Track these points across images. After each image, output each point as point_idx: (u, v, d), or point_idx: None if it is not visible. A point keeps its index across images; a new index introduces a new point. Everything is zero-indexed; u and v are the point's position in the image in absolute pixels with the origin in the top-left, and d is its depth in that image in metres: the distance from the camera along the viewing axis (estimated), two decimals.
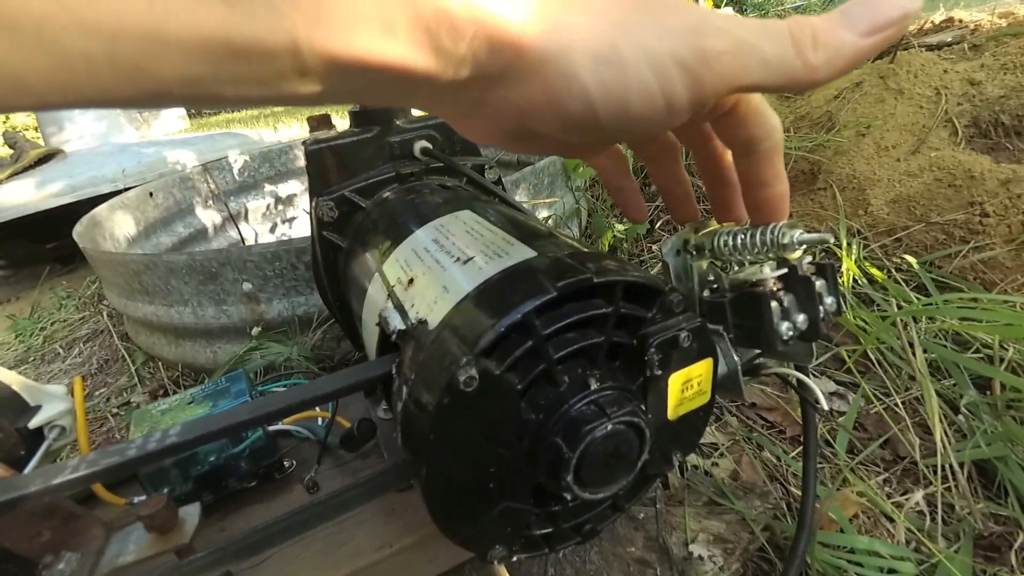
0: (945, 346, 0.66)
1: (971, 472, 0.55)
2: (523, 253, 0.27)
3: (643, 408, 0.27)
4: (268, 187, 1.60)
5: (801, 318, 0.29)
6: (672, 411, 0.29)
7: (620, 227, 1.01)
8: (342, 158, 0.49)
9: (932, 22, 1.51)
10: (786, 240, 0.29)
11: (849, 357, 0.65)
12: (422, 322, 0.26)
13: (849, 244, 0.83)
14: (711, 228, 0.33)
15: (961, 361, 0.59)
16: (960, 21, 1.45)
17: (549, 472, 0.25)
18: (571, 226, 1.14)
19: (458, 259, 0.29)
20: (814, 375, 0.71)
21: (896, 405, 0.62)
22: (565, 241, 0.32)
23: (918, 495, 0.49)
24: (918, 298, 0.66)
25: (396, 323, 0.28)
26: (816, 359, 0.73)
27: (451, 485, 0.24)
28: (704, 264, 0.34)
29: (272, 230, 1.64)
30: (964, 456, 0.52)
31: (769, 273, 0.30)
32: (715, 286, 0.33)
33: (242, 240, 1.55)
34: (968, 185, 0.83)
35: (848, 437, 0.59)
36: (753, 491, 0.54)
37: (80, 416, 0.46)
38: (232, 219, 1.54)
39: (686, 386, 0.29)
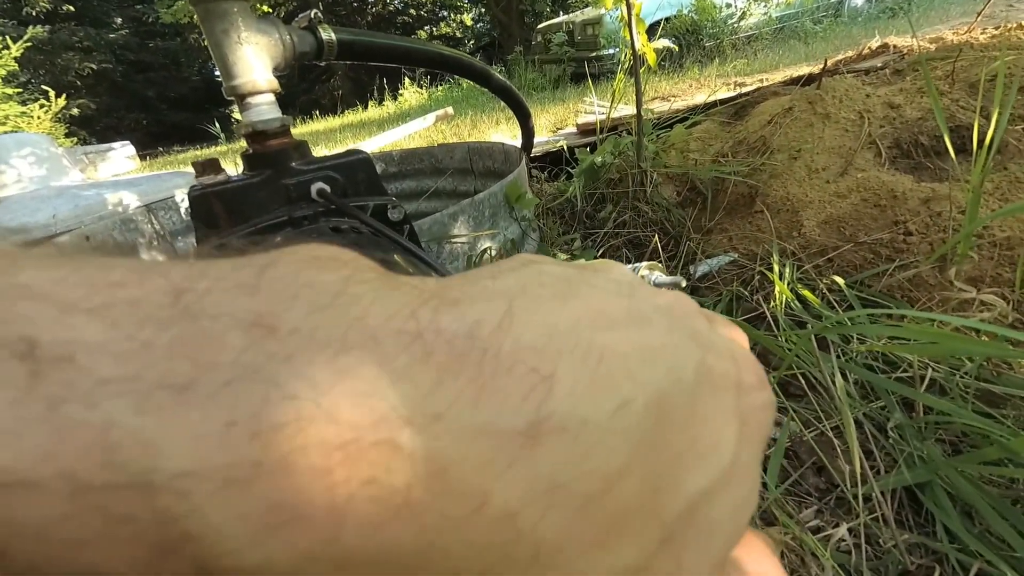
0: (873, 368, 0.66)
1: (902, 499, 0.54)
2: None
3: None
4: None
5: None
6: None
7: (563, 256, 1.00)
8: (232, 203, 0.46)
9: (869, 48, 1.59)
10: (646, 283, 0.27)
11: (773, 380, 0.65)
12: None
13: (783, 266, 0.84)
14: None
15: (884, 383, 0.59)
16: (895, 47, 1.52)
17: None
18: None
19: None
20: None
21: (827, 430, 0.61)
22: None
23: (842, 530, 0.48)
24: (843, 321, 0.66)
25: None
26: None
27: None
28: None
29: None
30: (889, 484, 0.51)
31: None
32: None
33: None
34: (892, 205, 0.85)
35: (779, 467, 0.58)
36: None
37: None
38: None
39: None
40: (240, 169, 0.50)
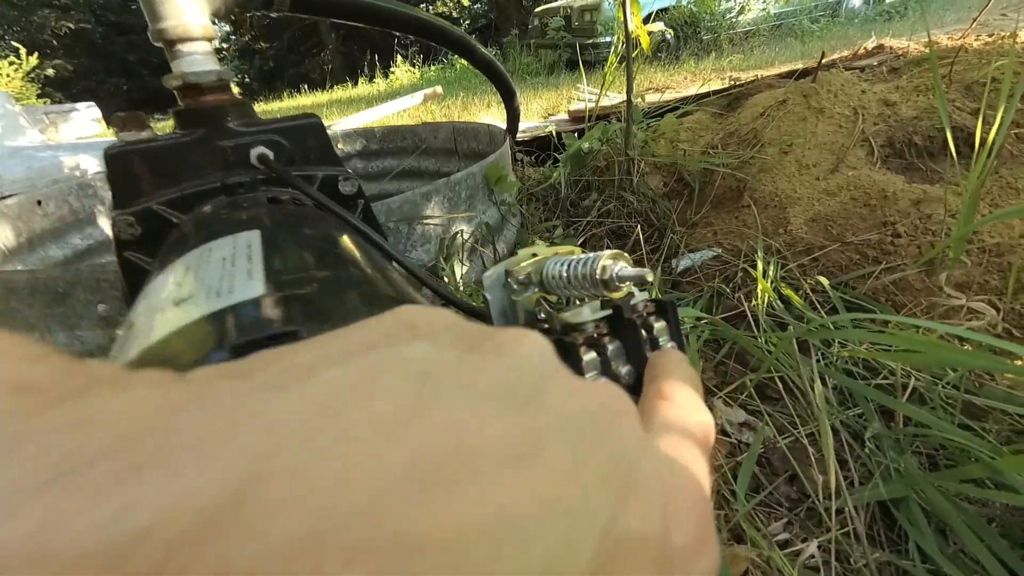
0: (853, 373, 0.63)
1: (875, 512, 0.51)
2: (249, 292, 0.21)
3: None
4: None
5: (626, 370, 0.24)
6: None
7: (541, 244, 0.96)
8: (157, 165, 0.41)
9: (865, 48, 1.56)
10: (605, 276, 0.23)
11: (751, 383, 0.62)
12: None
13: (768, 264, 0.81)
14: (541, 255, 0.28)
15: (864, 390, 0.56)
16: (891, 48, 1.49)
17: None
18: (499, 241, 1.09)
19: (178, 299, 0.22)
20: (725, 402, 0.68)
21: (803, 437, 0.58)
22: (362, 276, 0.26)
23: (812, 546, 0.45)
24: (827, 325, 0.63)
25: None
26: (729, 386, 0.69)
27: None
28: (532, 299, 0.28)
29: None
30: (864, 498, 0.49)
31: (588, 316, 0.24)
32: (546, 326, 0.28)
33: None
34: (882, 205, 0.82)
35: (750, 475, 0.55)
36: None
37: None
38: None
39: None
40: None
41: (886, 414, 0.59)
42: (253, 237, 0.28)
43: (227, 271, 0.24)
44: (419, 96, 2.57)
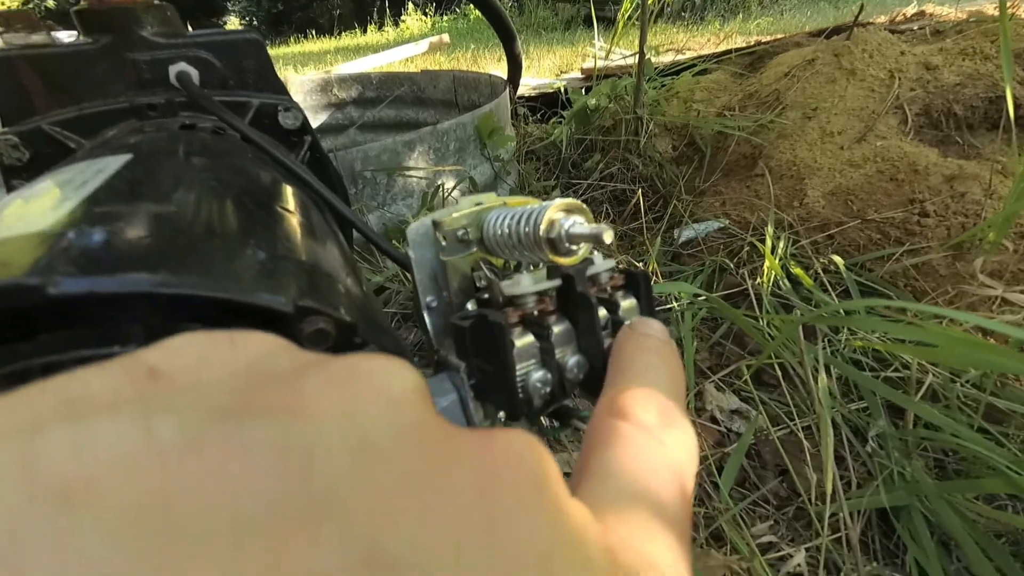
0: (862, 364, 0.57)
1: (871, 519, 0.46)
2: (35, 226, 0.15)
3: None
4: None
5: (574, 361, 0.18)
6: None
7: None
8: (52, 76, 0.34)
9: (904, 14, 1.43)
10: (552, 233, 0.17)
11: (748, 369, 0.56)
12: None
13: (777, 238, 0.74)
14: (482, 205, 0.21)
15: (871, 384, 0.50)
16: (932, 15, 1.37)
17: None
18: None
19: None
20: (717, 387, 0.62)
21: (799, 430, 0.53)
22: (261, 229, 0.20)
23: (800, 555, 0.40)
24: (838, 311, 0.56)
25: None
26: (724, 370, 0.63)
27: None
28: (469, 261, 0.22)
29: None
30: (862, 504, 0.44)
31: (528, 286, 0.18)
32: (486, 296, 0.22)
33: None
34: (911, 179, 0.74)
35: (738, 468, 0.50)
36: None
37: None
38: None
39: None
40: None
41: (894, 411, 0.54)
42: (112, 163, 0.22)
43: (51, 198, 0.18)
44: (424, 44, 2.42)
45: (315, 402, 0.09)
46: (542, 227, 0.17)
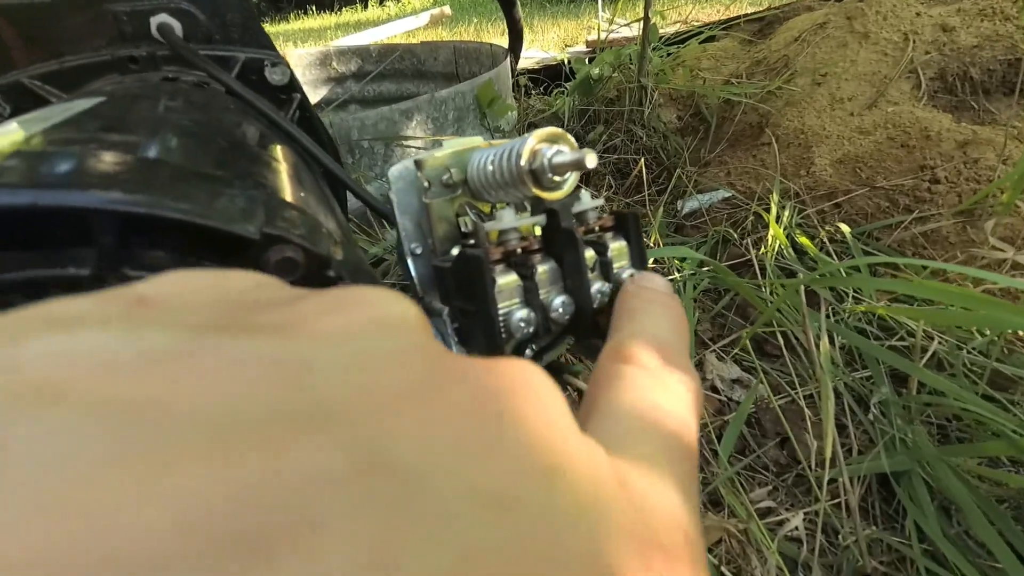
0: (866, 332, 0.56)
1: (870, 484, 0.46)
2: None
3: None
4: None
5: (560, 301, 0.17)
6: None
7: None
8: (30, 27, 0.33)
9: None
10: (535, 163, 0.16)
11: (747, 335, 0.55)
12: None
13: (783, 208, 0.72)
14: (465, 145, 0.20)
15: (875, 350, 0.50)
16: None
17: None
18: None
19: None
20: (719, 356, 0.61)
21: (800, 399, 0.52)
22: (239, 173, 0.19)
23: (798, 518, 0.40)
24: (838, 271, 0.55)
25: None
26: (724, 338, 0.63)
27: None
28: (454, 206, 0.21)
29: None
30: (862, 469, 0.43)
31: (510, 221, 0.17)
32: (472, 241, 0.21)
33: None
34: (922, 146, 0.72)
35: (737, 435, 0.49)
36: None
37: None
38: None
39: None
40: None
41: (897, 380, 0.53)
42: (82, 103, 0.21)
43: (12, 129, 0.17)
44: (425, 17, 2.37)
45: (311, 323, 0.08)
46: (523, 158, 0.16)
